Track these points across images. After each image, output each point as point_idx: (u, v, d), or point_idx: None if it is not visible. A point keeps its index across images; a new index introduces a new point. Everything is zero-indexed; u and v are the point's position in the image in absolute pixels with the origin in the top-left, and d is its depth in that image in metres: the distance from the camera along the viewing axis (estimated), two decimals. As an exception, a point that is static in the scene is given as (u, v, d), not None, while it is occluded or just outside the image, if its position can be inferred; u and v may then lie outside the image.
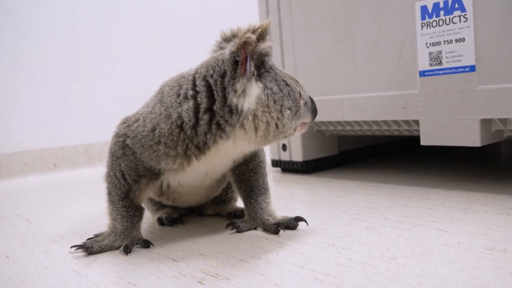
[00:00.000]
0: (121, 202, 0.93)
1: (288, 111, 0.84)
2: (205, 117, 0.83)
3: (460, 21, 1.15)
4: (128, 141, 0.90)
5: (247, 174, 1.01)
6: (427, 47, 1.22)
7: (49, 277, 0.82)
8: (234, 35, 0.90)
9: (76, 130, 2.40)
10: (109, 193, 0.95)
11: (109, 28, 2.53)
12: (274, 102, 0.83)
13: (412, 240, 0.86)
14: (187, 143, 0.85)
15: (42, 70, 2.33)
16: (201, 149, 0.86)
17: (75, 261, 0.89)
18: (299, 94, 0.87)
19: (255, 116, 0.82)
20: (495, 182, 1.27)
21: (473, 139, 1.16)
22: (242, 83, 0.80)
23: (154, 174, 0.93)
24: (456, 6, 1.15)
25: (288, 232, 0.96)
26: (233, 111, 0.81)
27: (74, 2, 2.42)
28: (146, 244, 0.94)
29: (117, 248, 0.93)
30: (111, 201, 0.95)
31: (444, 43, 1.19)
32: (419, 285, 0.65)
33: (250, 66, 0.80)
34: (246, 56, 0.80)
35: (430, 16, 1.21)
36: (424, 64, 1.23)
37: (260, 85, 0.82)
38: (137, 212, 0.95)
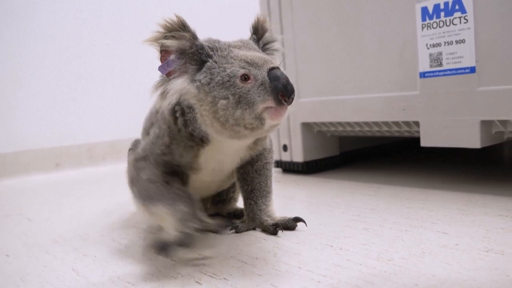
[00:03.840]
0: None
1: (223, 101, 0.76)
2: (178, 113, 0.84)
3: (460, 23, 1.15)
4: (138, 154, 0.92)
5: (250, 174, 1.00)
6: (428, 48, 1.22)
7: (48, 276, 0.83)
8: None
9: (79, 129, 2.42)
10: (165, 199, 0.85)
11: (112, 28, 2.54)
12: (206, 94, 0.77)
13: (410, 241, 0.86)
14: (181, 135, 0.85)
15: (44, 69, 2.34)
16: (194, 141, 0.86)
17: (74, 261, 0.90)
18: (243, 77, 0.76)
19: (199, 111, 0.80)
20: (495, 184, 1.27)
21: (473, 140, 1.15)
22: (156, 86, 0.81)
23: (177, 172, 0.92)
24: (457, 7, 1.15)
25: (286, 232, 0.97)
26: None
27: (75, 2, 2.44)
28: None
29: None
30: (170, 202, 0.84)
31: (445, 45, 1.18)
32: (415, 287, 0.66)
33: (166, 67, 0.79)
34: (165, 59, 0.80)
35: (431, 17, 1.21)
36: (424, 65, 1.23)
37: (185, 79, 0.79)
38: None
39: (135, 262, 0.86)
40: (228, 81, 0.76)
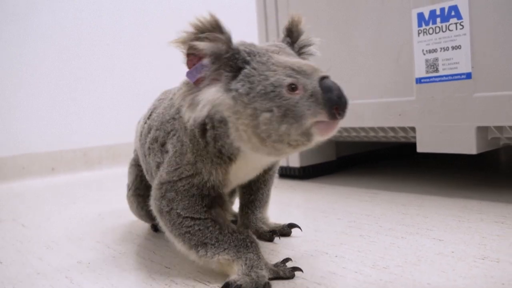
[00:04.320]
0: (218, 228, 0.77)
1: (267, 114, 0.66)
2: (208, 126, 0.74)
3: (456, 29, 1.15)
4: (163, 178, 0.79)
5: (257, 184, 0.96)
6: (424, 54, 1.22)
7: (41, 283, 0.82)
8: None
9: (78, 131, 2.41)
10: (204, 244, 0.76)
11: (112, 28, 2.54)
12: (245, 105, 0.67)
13: (406, 248, 0.85)
14: (207, 152, 0.76)
15: (41, 73, 2.33)
16: (222, 159, 0.76)
17: (68, 268, 0.89)
18: (290, 87, 0.66)
19: (234, 125, 0.70)
20: (491, 190, 1.27)
21: (469, 146, 1.15)
22: (183, 96, 0.70)
23: (214, 198, 0.80)
24: (453, 13, 1.15)
25: (282, 239, 0.96)
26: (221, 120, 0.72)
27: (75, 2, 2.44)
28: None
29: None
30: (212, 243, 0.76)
31: (441, 50, 1.18)
32: (410, 295, 0.65)
33: (195, 73, 0.68)
34: (193, 64, 0.69)
35: (427, 23, 1.21)
36: (420, 71, 1.23)
37: (219, 88, 0.68)
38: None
39: (129, 269, 0.86)
40: (273, 91, 0.66)
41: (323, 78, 0.68)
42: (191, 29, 0.67)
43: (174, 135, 0.81)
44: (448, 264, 0.76)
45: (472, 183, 1.38)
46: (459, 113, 1.16)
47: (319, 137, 0.68)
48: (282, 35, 0.85)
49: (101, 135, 2.46)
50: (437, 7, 1.18)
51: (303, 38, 0.84)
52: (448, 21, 1.17)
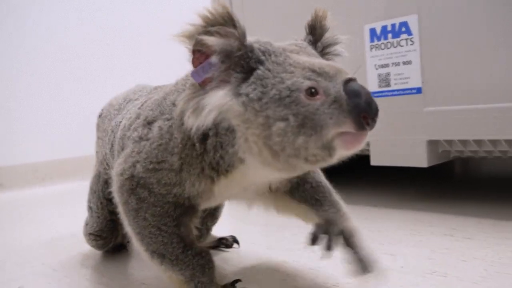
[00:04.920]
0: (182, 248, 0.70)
1: (281, 124, 0.56)
2: (211, 132, 0.64)
3: (407, 44, 1.18)
4: (136, 170, 0.69)
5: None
6: (376, 68, 1.24)
7: (-21, 312, 0.78)
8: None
9: (24, 147, 2.32)
10: (162, 255, 0.70)
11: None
12: (256, 113, 0.57)
13: (357, 264, 0.85)
14: (201, 160, 0.66)
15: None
16: (217, 170, 0.66)
17: (9, 293, 0.85)
18: (310, 91, 0.56)
19: (243, 135, 0.60)
20: (443, 202, 1.29)
21: (420, 159, 1.17)
22: (187, 99, 0.60)
23: (187, 207, 0.72)
24: (403, 29, 1.18)
25: (233, 256, 0.96)
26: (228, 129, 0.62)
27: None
28: None
29: None
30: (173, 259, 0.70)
31: (392, 65, 1.21)
32: (357, 315, 0.65)
33: (202, 73, 0.59)
34: (199, 62, 0.59)
35: (379, 39, 1.23)
36: (373, 85, 1.25)
37: (228, 92, 0.59)
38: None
39: (74, 294, 0.82)
40: (288, 96, 0.56)
41: (349, 80, 0.58)
42: (199, 22, 0.58)
43: (168, 119, 0.69)
44: (397, 279, 0.77)
45: (425, 195, 1.41)
46: (410, 127, 1.18)
47: (343, 151, 0.59)
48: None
49: (52, 148, 2.39)
50: (388, 23, 1.20)
51: (327, 35, 0.75)
52: (399, 37, 1.19)
